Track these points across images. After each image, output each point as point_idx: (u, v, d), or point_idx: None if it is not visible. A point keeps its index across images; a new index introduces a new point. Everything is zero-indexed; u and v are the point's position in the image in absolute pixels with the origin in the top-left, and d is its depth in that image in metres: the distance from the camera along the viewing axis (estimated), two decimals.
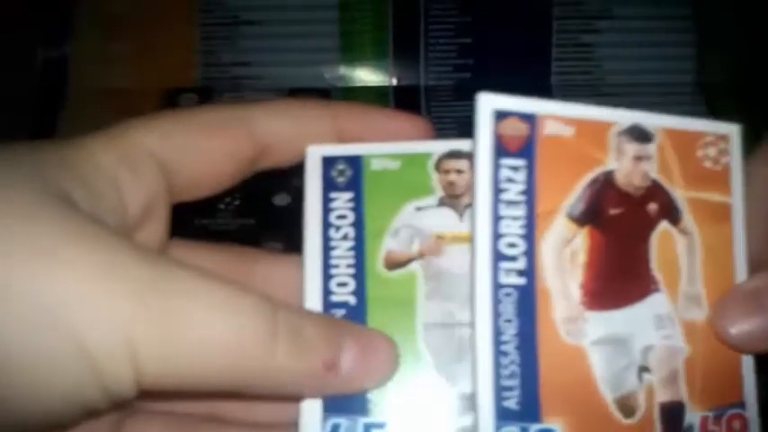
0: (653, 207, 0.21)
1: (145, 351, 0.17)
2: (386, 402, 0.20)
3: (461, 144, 0.22)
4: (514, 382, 0.19)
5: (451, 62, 0.50)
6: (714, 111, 0.48)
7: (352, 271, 0.21)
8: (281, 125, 0.22)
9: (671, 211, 0.21)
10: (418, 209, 0.22)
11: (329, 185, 0.22)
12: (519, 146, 0.20)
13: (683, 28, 0.50)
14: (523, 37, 0.50)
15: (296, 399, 0.20)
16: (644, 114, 0.21)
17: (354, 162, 0.22)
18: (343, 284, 0.21)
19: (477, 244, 0.19)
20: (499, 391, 0.19)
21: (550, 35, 0.50)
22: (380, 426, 0.20)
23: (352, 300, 0.21)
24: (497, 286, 0.19)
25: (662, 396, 0.20)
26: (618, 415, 0.20)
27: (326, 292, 0.21)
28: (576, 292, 0.20)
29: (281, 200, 0.46)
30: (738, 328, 0.20)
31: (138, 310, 0.17)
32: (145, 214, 0.21)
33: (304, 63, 0.49)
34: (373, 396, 0.20)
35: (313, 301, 0.21)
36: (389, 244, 0.22)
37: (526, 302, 0.19)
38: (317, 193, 0.22)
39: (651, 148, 0.21)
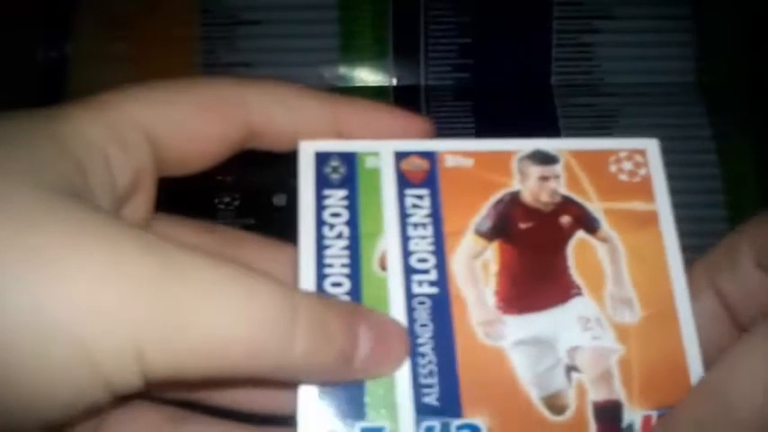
0: (566, 219, 0.22)
1: (152, 349, 0.16)
2: (382, 405, 0.20)
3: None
4: (433, 381, 0.20)
5: (451, 62, 0.50)
6: (714, 111, 0.48)
7: (346, 271, 0.21)
8: (276, 112, 0.22)
9: (586, 222, 0.22)
10: None
11: (322, 182, 0.22)
12: (422, 178, 0.22)
13: (683, 28, 0.50)
14: (523, 37, 0.50)
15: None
16: (545, 140, 0.23)
17: (349, 159, 0.22)
18: (337, 284, 0.21)
19: (390, 261, 0.21)
20: (418, 388, 0.20)
21: (550, 35, 0.49)
22: (379, 430, 0.20)
23: (347, 300, 0.21)
24: (411, 296, 0.21)
25: (595, 395, 0.21)
26: (546, 413, 0.20)
27: (321, 291, 0.21)
28: (490, 299, 0.21)
29: (280, 200, 0.46)
30: None
31: (143, 308, 0.16)
32: (132, 188, 0.20)
33: (304, 63, 0.49)
34: (370, 400, 0.20)
35: None
36: (385, 244, 0.21)
37: (441, 309, 0.21)
38: (311, 189, 0.22)
39: (556, 168, 0.23)
